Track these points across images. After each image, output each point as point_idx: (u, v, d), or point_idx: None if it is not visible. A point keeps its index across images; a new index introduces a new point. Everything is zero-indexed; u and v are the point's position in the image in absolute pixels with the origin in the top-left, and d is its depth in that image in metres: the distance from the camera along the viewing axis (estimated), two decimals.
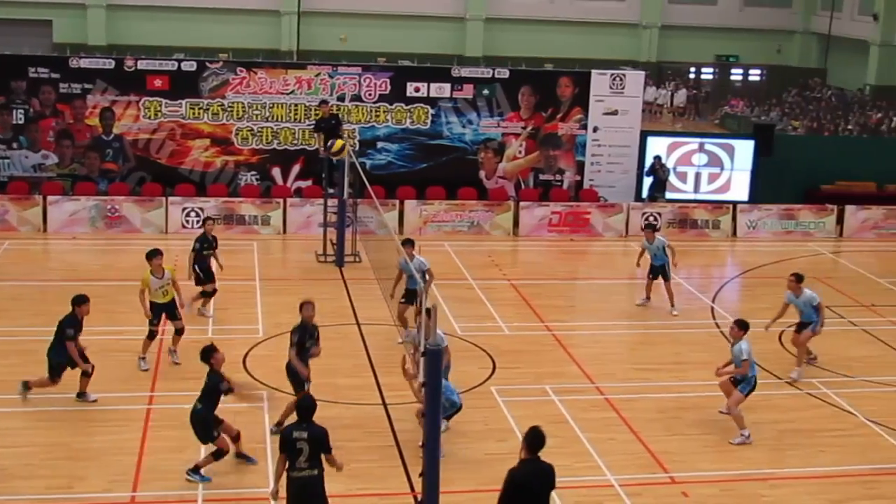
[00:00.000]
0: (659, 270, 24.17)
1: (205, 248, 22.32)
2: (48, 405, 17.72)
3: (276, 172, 31.36)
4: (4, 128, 30.32)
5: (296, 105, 31.09)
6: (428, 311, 13.03)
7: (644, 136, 33.13)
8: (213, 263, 22.53)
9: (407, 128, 31.70)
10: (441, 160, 31.92)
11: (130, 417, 17.33)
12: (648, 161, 32.48)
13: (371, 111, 31.48)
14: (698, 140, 34.03)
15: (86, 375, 17.69)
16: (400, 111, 31.57)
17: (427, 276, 20.26)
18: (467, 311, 23.42)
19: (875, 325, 23.92)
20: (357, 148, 30.70)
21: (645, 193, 32.62)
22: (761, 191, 32.95)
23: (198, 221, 29.20)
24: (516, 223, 30.93)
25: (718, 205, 32.18)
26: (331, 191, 27.74)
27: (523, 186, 32.40)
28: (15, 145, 30.39)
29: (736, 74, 61.07)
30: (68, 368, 17.57)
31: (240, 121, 30.96)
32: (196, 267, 22.24)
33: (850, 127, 48.06)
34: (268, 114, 31.04)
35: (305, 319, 16.98)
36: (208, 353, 15.68)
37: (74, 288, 23.96)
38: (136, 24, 54.82)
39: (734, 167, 33.19)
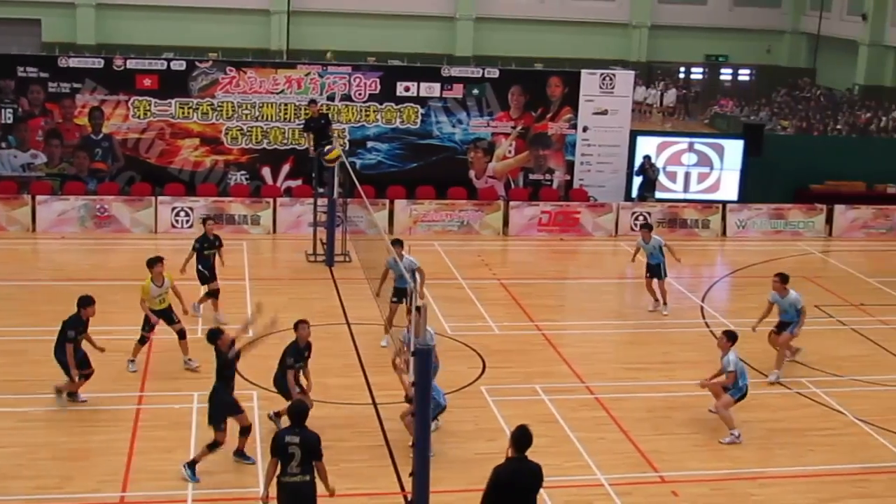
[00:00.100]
0: (655, 270, 24.04)
1: (205, 248, 22.21)
2: (37, 405, 17.68)
3: (266, 172, 31.33)
4: None
5: (285, 104, 31.06)
6: (418, 308, 13.02)
7: (634, 135, 33.15)
8: (217, 262, 22.43)
9: (397, 127, 31.69)
10: (431, 160, 31.91)
11: (120, 418, 17.30)
12: (638, 161, 32.50)
13: (361, 111, 31.46)
14: (688, 140, 34.05)
15: (83, 377, 17.61)
16: (390, 111, 31.56)
17: (418, 275, 20.22)
18: (457, 311, 23.42)
19: (864, 324, 23.96)
20: (347, 148, 30.67)
21: (635, 193, 32.64)
22: (751, 190, 33.00)
23: (187, 221, 29.23)
24: (506, 223, 30.94)
25: (708, 204, 32.22)
26: (321, 190, 27.72)
27: (513, 186, 32.41)
28: (4, 145, 30.30)
29: (725, 74, 61.17)
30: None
31: (229, 120, 30.92)
32: (200, 266, 22.17)
33: (839, 127, 48.16)
34: (257, 113, 31.01)
35: (300, 338, 16.91)
36: (215, 336, 15.85)
37: (63, 288, 24.02)
38: (125, 23, 54.74)
39: (724, 167, 33.23)
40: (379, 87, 31.47)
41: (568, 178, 32.63)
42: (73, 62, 30.52)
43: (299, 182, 31.22)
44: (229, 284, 23.75)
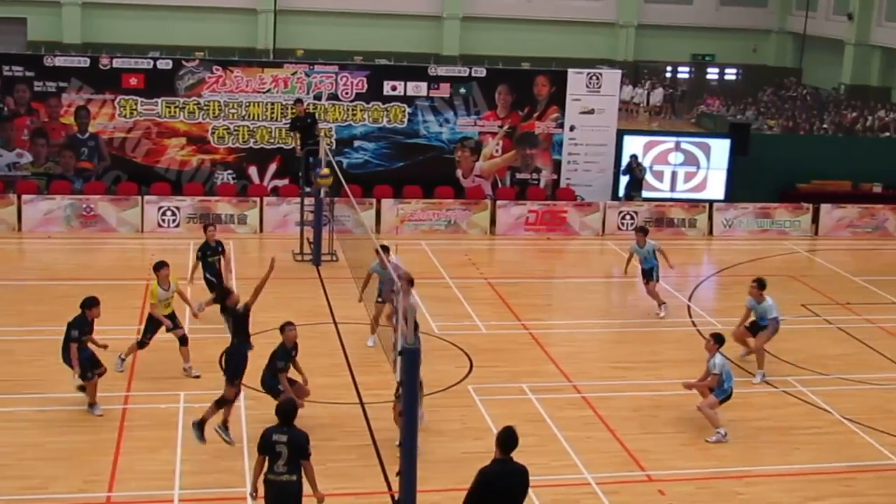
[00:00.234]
0: (648, 274, 23.74)
1: (208, 255, 21.99)
2: (22, 405, 17.64)
3: (253, 171, 31.29)
4: None
5: (272, 104, 31.03)
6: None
7: (620, 134, 33.21)
8: (224, 268, 22.27)
9: (384, 126, 31.67)
10: (418, 159, 31.90)
11: (106, 417, 17.23)
12: (625, 160, 32.53)
13: (348, 110, 31.44)
14: (674, 139, 34.09)
15: (97, 376, 17.49)
16: (377, 110, 31.54)
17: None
18: (444, 310, 23.41)
19: (850, 323, 24.01)
20: (334, 147, 30.65)
21: (621, 192, 32.67)
22: (737, 189, 33.05)
23: (174, 221, 29.19)
24: (493, 222, 30.93)
25: (695, 203, 32.27)
26: (307, 190, 27.70)
27: (500, 185, 32.42)
28: None
29: (712, 74, 61.30)
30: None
31: (216, 119, 30.88)
32: (207, 274, 22.00)
33: (825, 126, 48.29)
34: (244, 112, 30.97)
35: (287, 340, 16.95)
36: (225, 296, 16.89)
37: (49, 287, 24.01)
38: (111, 22, 54.68)
39: (710, 166, 33.28)
40: (366, 86, 31.45)
41: (555, 177, 32.66)
42: (59, 61, 30.46)
43: (286, 181, 31.19)
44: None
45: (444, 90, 31.84)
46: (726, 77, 61.19)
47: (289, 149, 30.67)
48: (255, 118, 31.04)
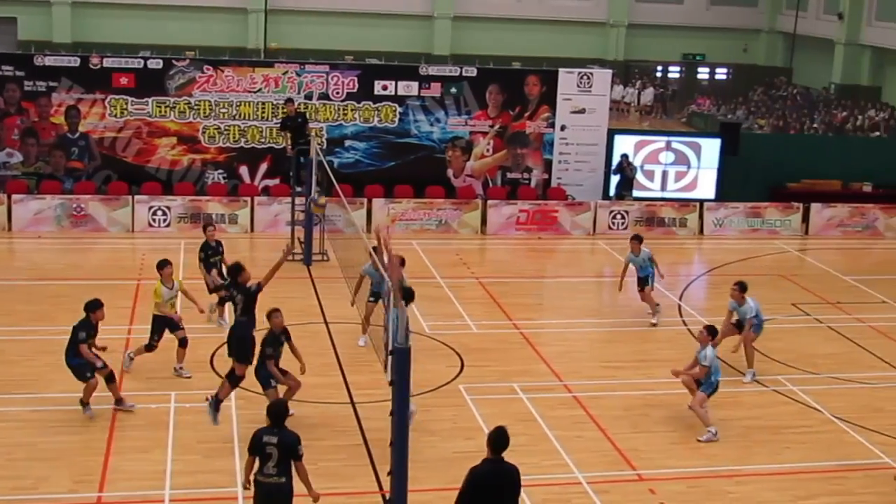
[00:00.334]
0: (643, 281, 23.40)
1: (210, 256, 21.90)
2: (13, 405, 17.61)
3: (244, 171, 31.28)
4: None
5: (263, 103, 31.01)
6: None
7: (611, 134, 33.23)
8: (224, 270, 22.20)
9: (375, 126, 31.67)
10: (409, 158, 31.90)
11: (97, 417, 17.19)
12: (616, 159, 32.55)
13: (339, 109, 31.43)
14: (665, 138, 34.13)
15: (111, 380, 17.34)
16: (368, 109, 31.54)
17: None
18: (435, 310, 23.41)
19: (840, 322, 24.06)
20: (325, 146, 30.64)
21: (612, 192, 32.70)
22: (728, 189, 33.10)
23: (164, 220, 29.16)
24: (484, 221, 30.95)
25: (685, 203, 32.31)
26: (298, 189, 27.69)
27: (491, 185, 32.44)
28: None
29: (702, 73, 61.30)
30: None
31: (207, 119, 30.86)
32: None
33: (815, 125, 48.34)
34: (235, 112, 30.95)
35: (274, 326, 16.99)
36: (238, 272, 17.49)
37: (40, 287, 23.98)
38: (101, 21, 54.55)
39: (701, 165, 33.33)
40: (356, 85, 31.45)
41: (546, 176, 32.68)
42: (49, 60, 30.42)
43: (277, 181, 31.17)
44: (198, 284, 23.71)
45: (435, 90, 31.85)
46: (717, 77, 61.20)
47: (279, 148, 30.64)
48: (246, 118, 31.02)
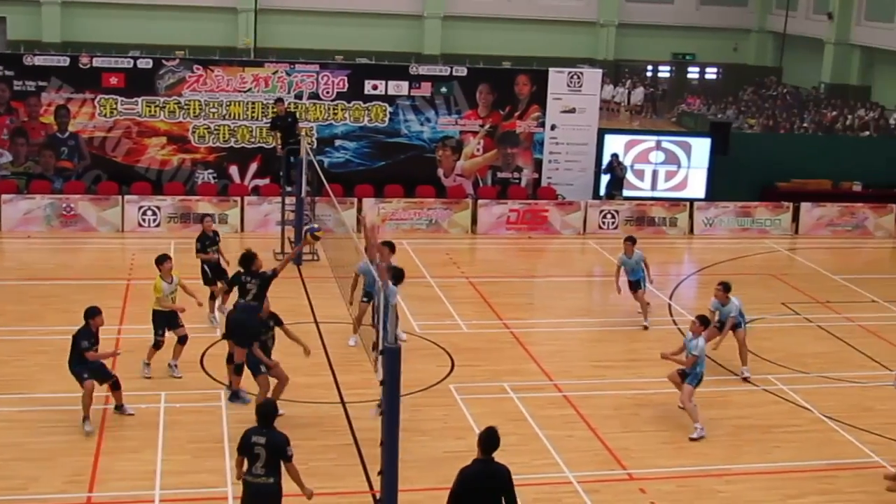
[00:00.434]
0: (635, 284, 23.15)
1: (207, 247, 21.86)
2: (3, 406, 17.57)
3: (234, 170, 31.24)
4: None
5: (253, 103, 30.98)
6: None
7: (601, 133, 33.26)
8: (221, 260, 22.19)
9: (365, 126, 31.65)
10: (399, 158, 31.89)
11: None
12: (606, 159, 32.58)
13: (329, 109, 31.41)
14: (655, 138, 34.17)
15: (116, 388, 17.29)
16: (358, 109, 31.52)
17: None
18: (426, 309, 23.42)
19: (830, 321, 24.09)
20: (315, 146, 30.62)
21: (602, 191, 32.72)
22: (718, 188, 33.14)
23: (154, 220, 29.12)
24: (474, 221, 30.95)
25: (675, 202, 32.34)
26: (289, 189, 27.67)
27: (481, 184, 32.44)
28: None
29: (692, 73, 61.39)
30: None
31: (196, 119, 30.81)
32: (205, 266, 21.94)
33: (805, 125, 48.43)
34: (225, 112, 30.91)
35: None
36: (251, 260, 17.82)
37: (29, 287, 23.93)
38: (91, 21, 54.46)
39: (691, 165, 33.37)
40: (347, 85, 31.42)
41: (536, 176, 32.69)
42: (39, 60, 30.35)
43: (267, 181, 31.14)
44: (196, 284, 23.67)
45: (426, 89, 31.84)
46: (707, 76, 61.28)
47: (269, 148, 30.63)
48: (236, 117, 30.99)
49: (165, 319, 18.95)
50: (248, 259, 17.97)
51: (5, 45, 49.15)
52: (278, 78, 31.06)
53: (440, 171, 32.28)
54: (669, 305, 24.83)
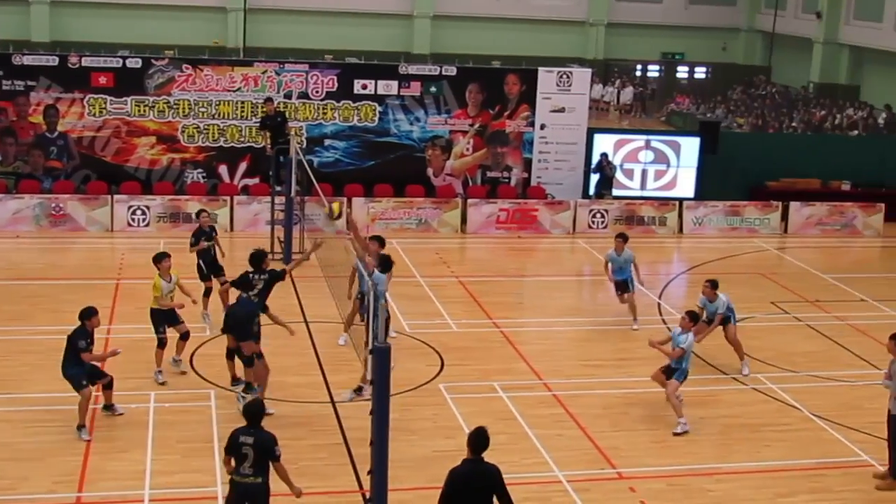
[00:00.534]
0: (622, 285, 23.01)
1: (203, 241, 21.77)
2: None
3: (223, 170, 31.21)
4: None
5: (242, 102, 30.95)
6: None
7: (591, 133, 33.29)
8: (218, 254, 22.14)
9: (354, 125, 31.64)
10: (389, 157, 31.88)
11: (75, 417, 17.09)
12: (595, 158, 32.60)
13: (318, 108, 31.39)
14: (644, 137, 34.21)
15: (108, 387, 17.23)
16: (347, 108, 31.51)
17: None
18: (415, 309, 23.42)
19: (819, 320, 24.13)
20: (304, 145, 30.60)
21: (592, 190, 32.74)
22: (707, 187, 33.19)
23: (144, 220, 29.08)
24: (464, 220, 30.96)
25: (665, 201, 32.37)
26: (278, 188, 27.64)
27: (471, 184, 32.45)
28: None
29: (682, 72, 61.38)
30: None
31: (186, 118, 30.78)
32: (200, 261, 21.88)
33: (794, 124, 48.48)
34: (214, 111, 30.88)
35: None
36: (262, 257, 18.25)
37: (18, 287, 23.88)
38: (80, 20, 54.31)
39: (680, 164, 33.40)
40: (336, 84, 31.41)
41: (525, 175, 32.71)
42: (28, 60, 30.28)
43: (256, 180, 31.12)
44: (186, 283, 23.63)
45: (415, 89, 31.84)
46: (696, 75, 61.28)
47: (259, 147, 30.61)
48: (226, 117, 30.95)
49: (165, 317, 18.87)
50: (258, 258, 18.21)
51: None
52: (268, 77, 31.03)
53: (430, 171, 32.29)
54: (659, 305, 24.85)
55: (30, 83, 30.03)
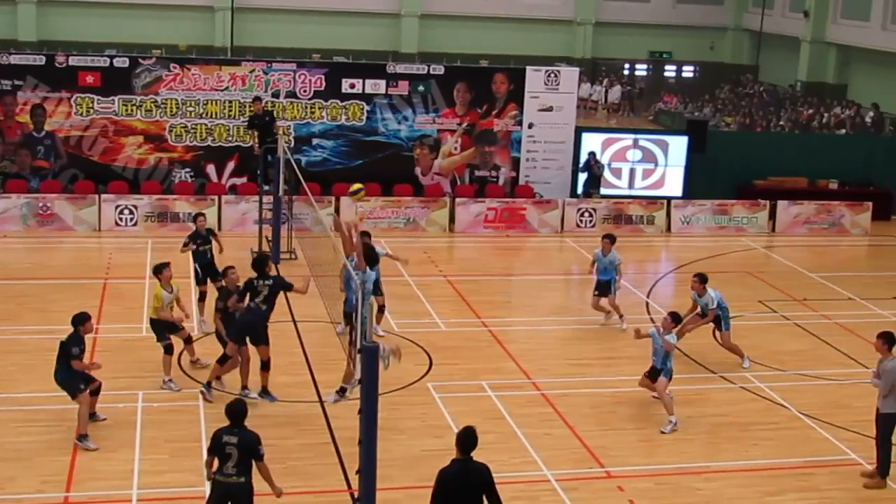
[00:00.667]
0: (605, 287, 22.82)
1: (200, 245, 21.76)
2: None
3: (211, 169, 31.17)
4: None
5: (230, 101, 30.91)
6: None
7: (579, 132, 33.31)
8: (214, 256, 22.10)
9: (342, 124, 31.62)
10: (376, 157, 31.88)
11: (63, 417, 17.05)
12: (583, 157, 32.62)
13: (306, 108, 31.37)
14: (632, 136, 34.23)
15: (95, 393, 17.03)
16: (335, 107, 31.49)
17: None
18: (404, 308, 23.40)
19: (807, 319, 24.18)
20: (292, 145, 30.57)
21: (580, 189, 32.76)
22: (695, 186, 33.23)
23: (131, 219, 29.03)
24: (452, 219, 30.95)
25: (653, 200, 32.40)
26: (266, 188, 27.62)
27: (459, 183, 32.45)
28: None
29: (669, 71, 61.42)
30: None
31: (173, 117, 30.74)
32: (196, 264, 21.84)
33: (781, 123, 48.54)
34: (202, 110, 30.84)
35: (229, 283, 18.20)
36: (265, 262, 18.20)
37: (6, 287, 23.83)
38: (67, 19, 54.15)
39: (668, 163, 33.43)
40: (324, 83, 31.39)
41: (514, 174, 32.72)
42: (15, 59, 30.22)
43: (244, 179, 31.08)
44: (179, 282, 23.63)
45: (403, 88, 31.83)
46: (684, 74, 61.32)
47: (247, 147, 30.58)
48: (213, 116, 30.92)
49: (166, 325, 18.76)
50: (261, 263, 18.13)
51: None
52: (255, 76, 31.00)
53: (418, 170, 32.29)
54: (647, 303, 24.87)
55: (17, 82, 29.98)
